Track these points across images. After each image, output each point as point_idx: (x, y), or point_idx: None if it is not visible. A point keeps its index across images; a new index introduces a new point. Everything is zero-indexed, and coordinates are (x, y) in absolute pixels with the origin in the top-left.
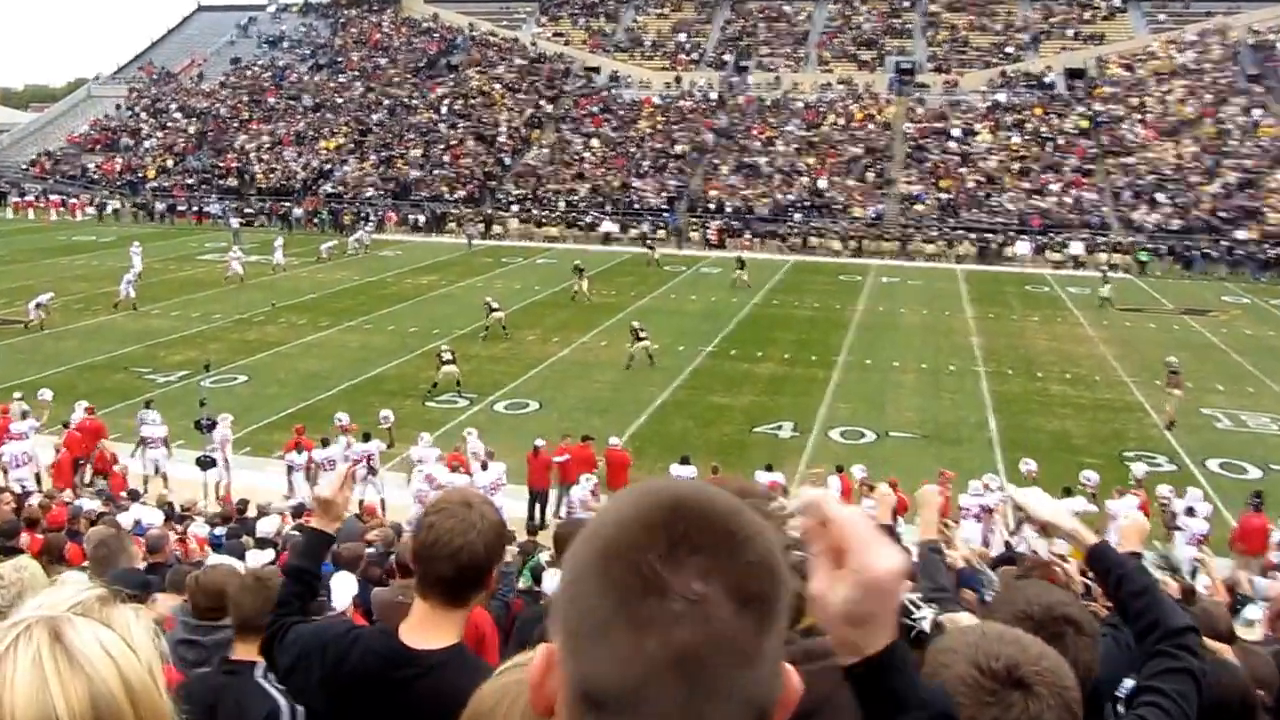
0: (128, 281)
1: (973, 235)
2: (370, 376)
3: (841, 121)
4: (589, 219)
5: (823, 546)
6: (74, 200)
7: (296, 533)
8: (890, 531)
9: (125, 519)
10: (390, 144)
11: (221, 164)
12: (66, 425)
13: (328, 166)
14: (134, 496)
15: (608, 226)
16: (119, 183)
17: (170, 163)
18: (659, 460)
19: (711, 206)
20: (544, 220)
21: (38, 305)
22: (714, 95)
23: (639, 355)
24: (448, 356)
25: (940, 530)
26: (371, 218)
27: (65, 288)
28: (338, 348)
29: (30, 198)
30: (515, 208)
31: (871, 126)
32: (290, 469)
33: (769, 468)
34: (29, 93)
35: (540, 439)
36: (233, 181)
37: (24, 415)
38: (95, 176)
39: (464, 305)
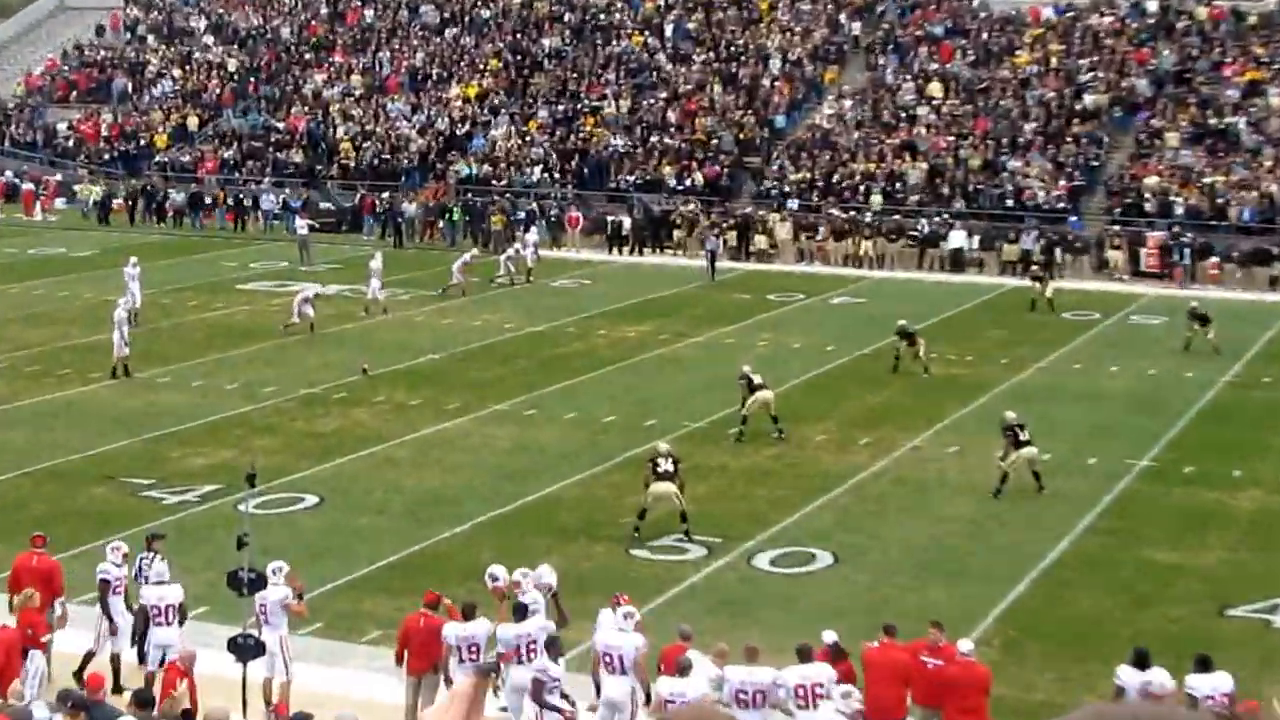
0: (121, 324)
1: None
2: (532, 501)
3: None
4: (924, 226)
5: None
6: (29, 186)
7: None
8: None
9: None
10: (572, 92)
11: (281, 124)
12: None
13: (463, 130)
14: (142, 703)
15: (958, 240)
16: (108, 155)
17: (194, 121)
18: (1056, 667)
19: (1146, 205)
20: (844, 227)
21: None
22: (1152, 6)
23: (1017, 468)
24: (665, 467)
25: None
26: (538, 220)
27: (14, 338)
28: (476, 449)
29: None
30: (791, 204)
31: None
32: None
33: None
34: None
35: (830, 631)
36: (299, 156)
37: None
38: (68, 144)
39: (700, 376)
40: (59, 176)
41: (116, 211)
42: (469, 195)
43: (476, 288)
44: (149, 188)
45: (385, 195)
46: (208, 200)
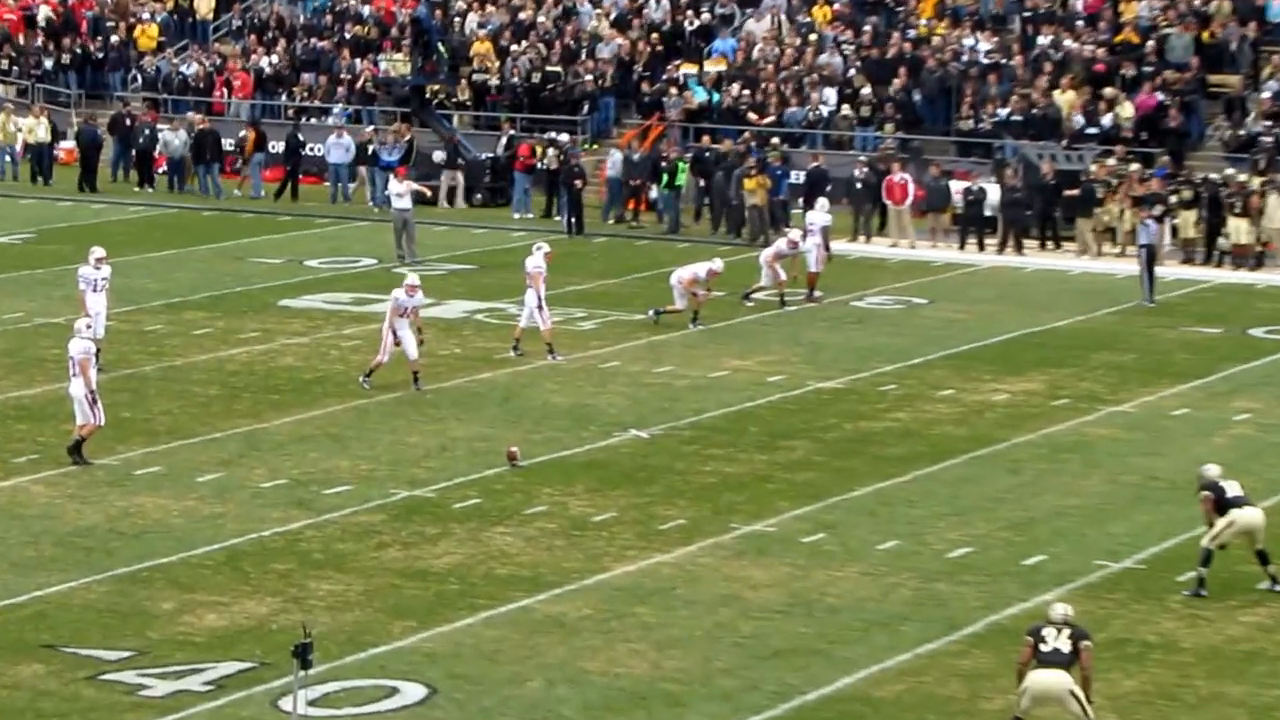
0: (83, 367)
1: None
2: (814, 702)
3: None
4: None
5: None
6: None
7: None
8: None
9: None
10: None
11: (365, 8)
12: None
13: (694, 23)
14: None
15: None
16: (50, 63)
17: (206, 2)
18: None
19: None
20: None
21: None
22: None
23: None
24: (1056, 644)
25: None
26: (827, 189)
27: None
28: (713, 602)
29: None
30: None
31: None
32: None
33: None
34: None
35: None
36: (397, 65)
37: None
38: None
39: (1121, 476)
40: None
41: (65, 163)
42: (704, 142)
43: (719, 308)
44: (126, 122)
45: (554, 139)
46: (230, 146)
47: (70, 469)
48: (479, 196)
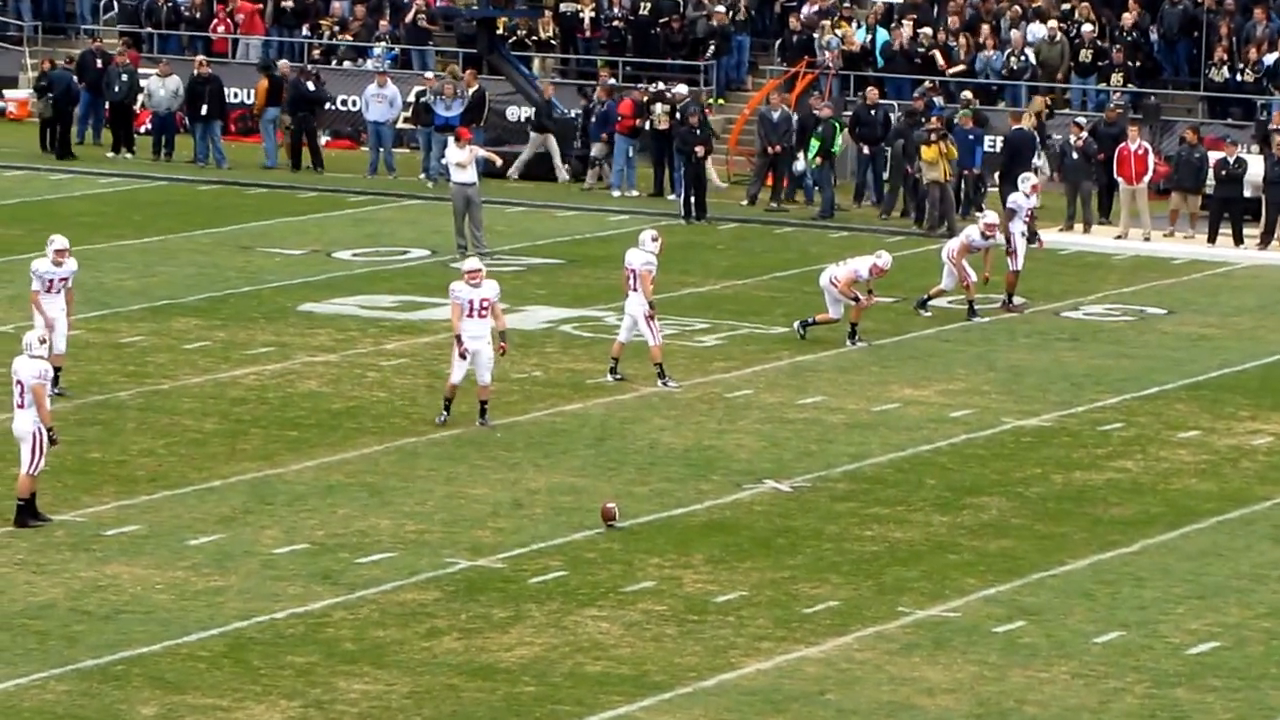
0: (35, 392)
1: None
2: None
3: None
4: None
5: None
6: None
7: None
8: None
9: None
10: None
11: None
12: None
13: None
14: None
15: None
16: None
17: None
18: None
19: None
20: None
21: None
22: None
23: None
24: None
25: None
26: (1042, 155)
27: None
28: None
29: None
30: None
31: None
32: None
33: None
34: None
35: None
36: None
37: None
38: None
39: None
40: None
41: (16, 118)
42: (869, 97)
43: (886, 318)
44: (97, 64)
45: (666, 91)
46: (234, 98)
47: (19, 530)
48: (567, 168)
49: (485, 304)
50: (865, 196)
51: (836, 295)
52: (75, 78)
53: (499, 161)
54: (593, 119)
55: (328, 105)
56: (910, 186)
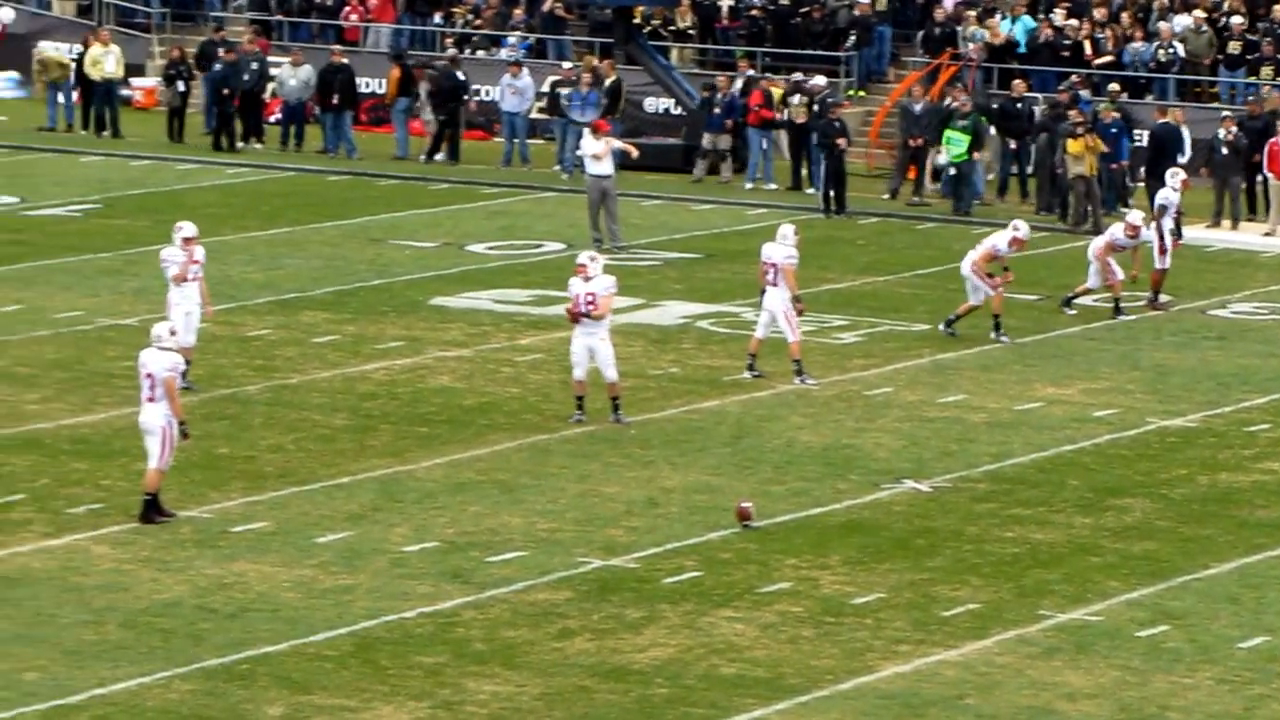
0: (167, 383)
1: None
2: None
3: None
4: None
5: None
6: None
7: None
8: None
9: None
10: None
11: None
12: None
13: None
14: None
15: None
16: None
17: None
18: None
19: None
20: None
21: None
22: None
23: None
24: None
25: None
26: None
27: None
28: None
29: None
30: None
31: None
32: None
33: None
34: None
35: None
36: None
37: None
38: None
39: None
40: (4, 14)
41: (142, 106)
42: (1013, 89)
43: (1031, 316)
44: (218, 52)
45: (802, 81)
46: (364, 87)
47: (144, 526)
48: (704, 161)
49: (590, 298)
50: (1008, 190)
51: (977, 282)
52: (219, 66)
53: (635, 153)
54: (715, 110)
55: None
56: (1053, 181)
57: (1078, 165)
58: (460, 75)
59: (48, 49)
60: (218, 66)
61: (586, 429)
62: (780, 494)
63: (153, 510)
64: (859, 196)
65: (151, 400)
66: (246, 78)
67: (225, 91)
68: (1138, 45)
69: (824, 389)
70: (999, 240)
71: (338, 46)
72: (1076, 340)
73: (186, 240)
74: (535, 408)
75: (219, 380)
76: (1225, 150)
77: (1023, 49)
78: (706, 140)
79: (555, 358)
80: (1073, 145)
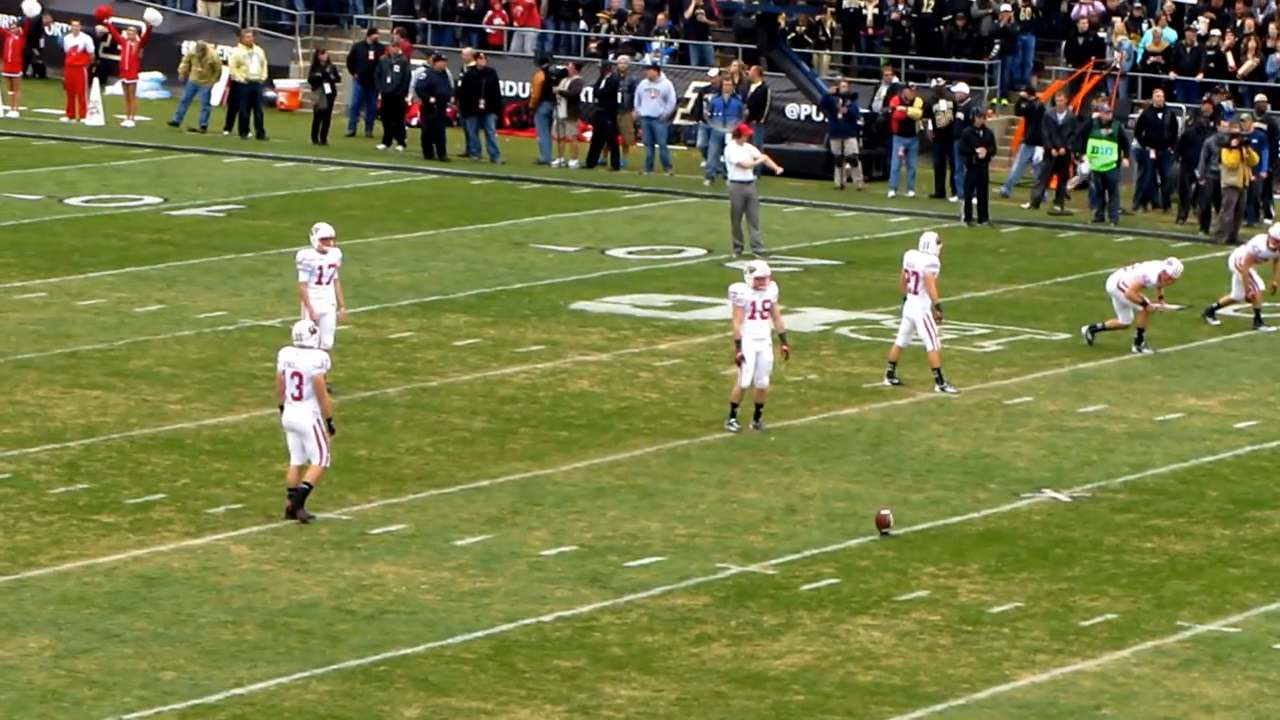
0: (309, 385)
1: None
2: None
3: None
4: None
5: None
6: (77, 43)
7: None
8: None
9: None
10: None
11: None
12: None
13: None
14: None
15: None
16: None
17: None
18: None
19: None
20: None
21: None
22: None
23: None
24: None
25: None
26: None
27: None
28: None
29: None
30: None
31: None
32: None
33: None
34: None
35: None
36: None
37: None
38: None
39: None
40: (151, 16)
41: (286, 108)
42: (1155, 98)
43: (1173, 326)
44: (369, 55)
45: (945, 88)
46: (508, 91)
47: (284, 525)
48: (847, 167)
49: (767, 305)
50: (1150, 200)
51: (1124, 301)
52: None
53: (779, 170)
54: (837, 115)
55: None
56: (1196, 192)
57: (1231, 175)
58: (615, 79)
59: (210, 47)
60: (422, 74)
61: (726, 435)
62: (919, 502)
63: (300, 506)
64: (1000, 205)
65: (298, 399)
66: (389, 80)
67: (432, 100)
68: None
69: (964, 397)
70: (1150, 272)
71: (479, 50)
72: (1217, 351)
73: (324, 240)
74: (674, 413)
75: (358, 382)
76: None
77: (1169, 58)
78: (834, 146)
79: (694, 363)
80: (1228, 156)
